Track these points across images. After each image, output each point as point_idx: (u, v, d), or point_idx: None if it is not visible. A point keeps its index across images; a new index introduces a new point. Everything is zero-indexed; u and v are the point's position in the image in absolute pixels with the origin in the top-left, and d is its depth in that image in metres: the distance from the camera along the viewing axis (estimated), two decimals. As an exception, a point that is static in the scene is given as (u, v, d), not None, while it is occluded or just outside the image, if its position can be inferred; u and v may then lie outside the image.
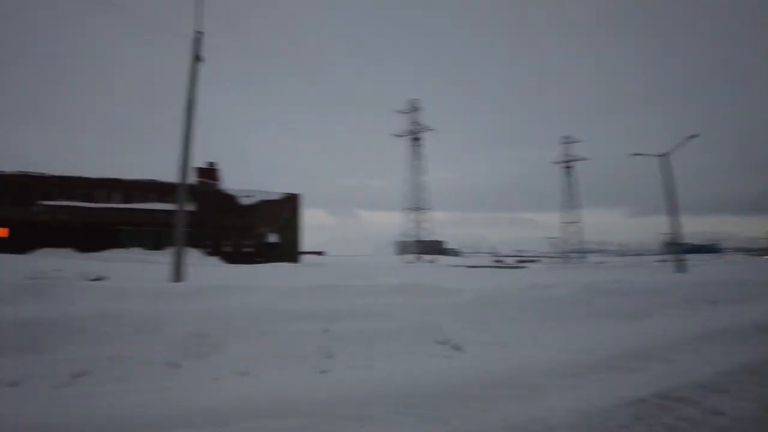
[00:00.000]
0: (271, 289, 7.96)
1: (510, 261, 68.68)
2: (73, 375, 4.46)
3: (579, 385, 4.61)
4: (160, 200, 53.34)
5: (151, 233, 50.86)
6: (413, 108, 62.10)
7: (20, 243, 48.81)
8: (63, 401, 4.02)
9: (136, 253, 44.15)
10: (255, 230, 52.70)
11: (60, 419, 3.69)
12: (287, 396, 4.48)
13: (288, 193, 55.09)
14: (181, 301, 7.19)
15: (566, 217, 69.85)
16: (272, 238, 53.40)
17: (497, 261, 69.62)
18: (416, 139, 61.08)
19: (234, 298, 7.41)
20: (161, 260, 27.27)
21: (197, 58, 11.40)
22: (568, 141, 71.87)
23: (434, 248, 76.36)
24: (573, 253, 69.30)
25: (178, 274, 10.80)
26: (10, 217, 50.37)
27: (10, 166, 58.04)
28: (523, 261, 69.63)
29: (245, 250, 51.91)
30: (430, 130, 61.70)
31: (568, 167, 70.51)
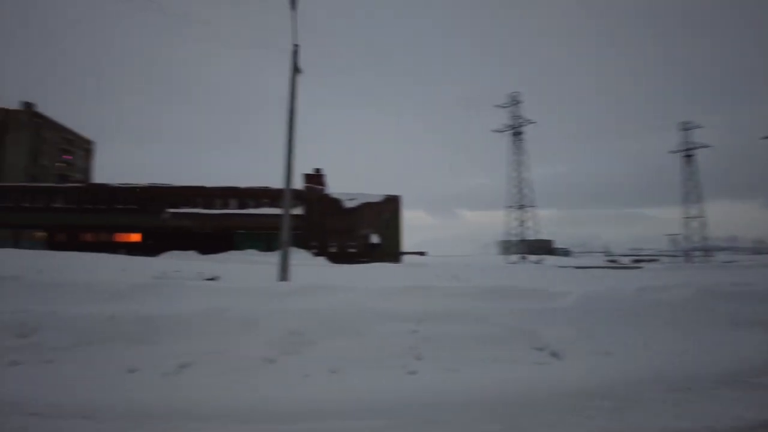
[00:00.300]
0: (366, 290, 8.09)
1: (625, 261, 64.10)
2: (180, 366, 4.85)
3: (690, 400, 4.14)
4: (271, 205, 56.86)
5: (263, 236, 54.40)
6: (514, 101, 59.97)
7: (151, 246, 54.74)
8: (170, 389, 4.39)
9: (250, 255, 47.27)
10: (358, 231, 54.21)
11: (167, 404, 4.03)
12: (375, 396, 4.51)
13: (389, 195, 56.01)
14: (282, 300, 7.55)
15: (688, 212, 63.55)
16: (374, 238, 54.58)
17: (610, 261, 65.30)
18: (518, 134, 58.96)
19: (330, 297, 7.63)
20: (271, 261, 28.99)
21: (296, 69, 11.94)
22: (687, 127, 65.23)
23: (541, 248, 73.37)
24: (696, 251, 62.92)
25: (283, 274, 11.35)
26: (142, 224, 56.72)
27: (142, 180, 64.96)
28: (639, 260, 64.64)
29: (349, 250, 53.58)
30: (532, 122, 59.24)
31: (688, 156, 64.04)
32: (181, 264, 22.15)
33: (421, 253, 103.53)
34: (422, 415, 4.05)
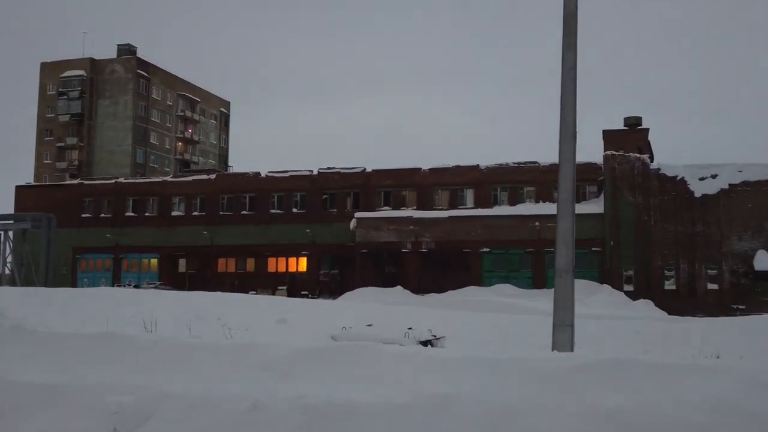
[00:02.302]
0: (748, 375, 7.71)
1: None
2: None
3: None
4: (538, 198, 57.99)
5: (523, 258, 56.08)
6: None
7: (329, 282, 60.28)
8: None
9: (501, 294, 48.97)
10: (724, 244, 51.86)
11: None
12: None
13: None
14: (564, 387, 7.60)
15: None
16: (765, 259, 51.54)
17: None
18: None
19: (654, 384, 7.46)
20: (541, 308, 29.40)
21: None
22: None
23: None
24: None
25: (561, 337, 11.46)
26: (302, 239, 62.68)
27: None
28: None
29: (707, 286, 51.42)
30: None
31: None
32: (375, 311, 23.77)
33: None
34: None
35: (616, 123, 58.87)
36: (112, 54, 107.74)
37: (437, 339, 14.22)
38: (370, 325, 16.10)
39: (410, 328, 15.24)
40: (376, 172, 64.99)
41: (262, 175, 68.34)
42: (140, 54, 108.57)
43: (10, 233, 67.87)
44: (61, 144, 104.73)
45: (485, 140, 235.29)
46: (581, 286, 37.08)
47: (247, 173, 69.84)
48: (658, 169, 54.89)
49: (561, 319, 11.56)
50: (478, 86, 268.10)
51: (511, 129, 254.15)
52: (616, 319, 31.56)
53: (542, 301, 40.06)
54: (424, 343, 13.13)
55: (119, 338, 8.83)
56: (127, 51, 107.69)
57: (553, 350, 10.82)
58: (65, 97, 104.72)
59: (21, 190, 75.23)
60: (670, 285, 52.64)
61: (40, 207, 69.59)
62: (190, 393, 7.09)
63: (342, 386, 7.23)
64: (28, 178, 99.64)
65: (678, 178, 53.96)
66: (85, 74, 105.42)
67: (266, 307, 26.89)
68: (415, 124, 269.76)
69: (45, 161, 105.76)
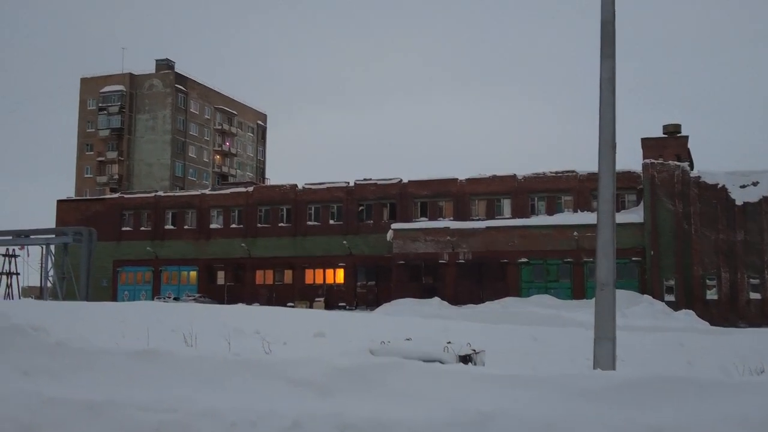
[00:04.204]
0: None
1: None
2: None
3: None
4: (576, 207, 57.59)
5: (561, 269, 55.82)
6: None
7: (366, 293, 60.32)
8: None
9: (541, 305, 48.81)
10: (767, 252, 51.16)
11: None
12: None
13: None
14: (602, 406, 7.55)
15: None
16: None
17: None
18: None
19: (691, 407, 7.38)
20: (581, 320, 29.15)
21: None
22: None
23: None
24: None
25: (602, 353, 11.33)
26: (344, 251, 62.79)
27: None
28: None
29: (750, 296, 50.74)
30: None
31: None
32: (412, 324, 23.66)
33: None
34: None
35: (655, 130, 58.36)
36: (151, 69, 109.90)
37: (477, 353, 14.09)
38: (408, 339, 16.02)
39: (449, 342, 15.14)
40: (413, 183, 65.10)
41: (299, 187, 68.80)
42: (178, 69, 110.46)
43: (52, 247, 69.06)
44: (101, 158, 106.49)
45: (522, 147, 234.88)
46: (621, 296, 36.77)
47: (284, 185, 70.39)
48: (699, 176, 54.34)
49: (602, 332, 11.44)
50: (514, 91, 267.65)
51: (548, 136, 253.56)
52: (658, 330, 31.26)
53: (582, 312, 39.85)
54: (464, 358, 13.02)
55: (159, 354, 8.86)
56: (165, 66, 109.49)
57: (594, 365, 10.73)
58: (105, 112, 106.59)
59: (62, 204, 76.22)
60: (711, 295, 52.05)
61: (80, 221, 70.47)
62: (230, 410, 7.09)
63: (382, 404, 7.20)
64: (69, 192, 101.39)
65: (719, 185, 53.38)
66: (125, 89, 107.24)
67: (304, 321, 26.93)
68: (449, 130, 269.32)
69: (85, 175, 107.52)
